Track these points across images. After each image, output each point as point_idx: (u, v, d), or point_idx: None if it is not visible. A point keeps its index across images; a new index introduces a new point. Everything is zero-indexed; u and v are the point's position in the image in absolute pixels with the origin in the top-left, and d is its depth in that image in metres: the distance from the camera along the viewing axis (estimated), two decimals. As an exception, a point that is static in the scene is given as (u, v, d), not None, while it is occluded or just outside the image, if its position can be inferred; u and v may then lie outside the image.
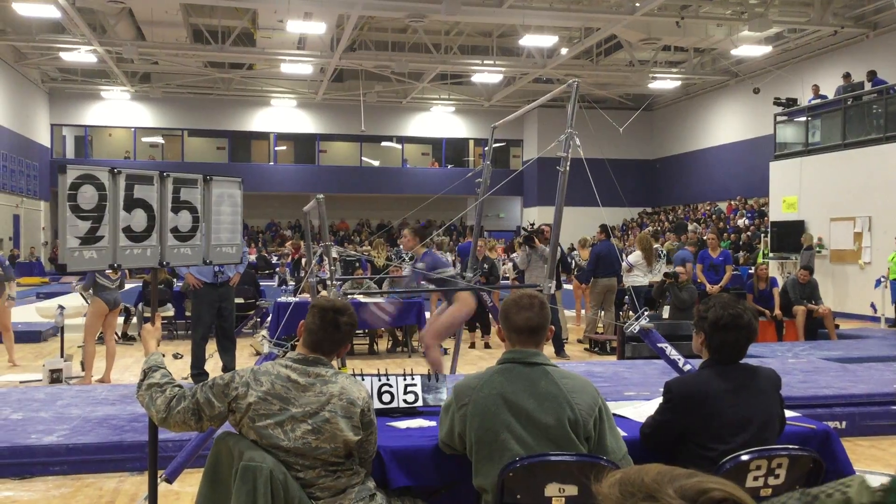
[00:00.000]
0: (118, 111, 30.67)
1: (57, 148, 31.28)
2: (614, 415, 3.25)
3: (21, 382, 7.95)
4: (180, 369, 8.28)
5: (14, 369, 8.94)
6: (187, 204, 3.64)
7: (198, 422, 2.76)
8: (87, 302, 8.19)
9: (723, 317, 2.95)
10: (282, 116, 31.85)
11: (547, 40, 21.67)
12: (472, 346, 11.13)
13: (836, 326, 11.16)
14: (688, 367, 4.68)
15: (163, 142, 33.25)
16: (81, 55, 23.17)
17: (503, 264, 15.81)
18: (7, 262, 9.32)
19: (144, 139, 32.60)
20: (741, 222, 24.07)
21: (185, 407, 2.75)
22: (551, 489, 2.62)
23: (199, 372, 7.66)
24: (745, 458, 2.72)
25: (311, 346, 2.82)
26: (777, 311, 10.92)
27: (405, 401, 3.53)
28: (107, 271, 8.16)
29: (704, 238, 15.18)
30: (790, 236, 16.61)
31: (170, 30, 22.79)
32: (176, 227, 3.58)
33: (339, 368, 4.99)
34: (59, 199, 3.15)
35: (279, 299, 10.64)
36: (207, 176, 3.74)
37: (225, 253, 3.91)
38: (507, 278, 14.17)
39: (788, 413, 3.22)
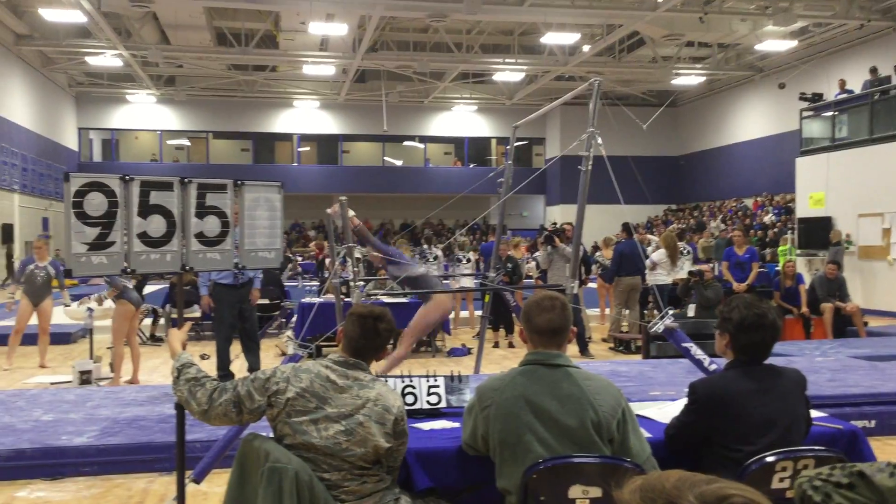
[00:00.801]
0: (144, 114, 31.03)
1: (84, 151, 31.70)
2: (638, 416, 3.24)
3: (52, 384, 8.07)
4: (206, 370, 8.35)
5: (44, 371, 9.08)
6: (214, 209, 3.61)
7: (238, 414, 2.81)
8: (112, 303, 8.30)
9: (747, 317, 2.92)
10: (305, 118, 32.03)
11: (569, 38, 21.59)
12: (496, 345, 11.12)
13: (865, 324, 11.00)
14: (713, 366, 4.65)
15: (188, 144, 33.57)
16: (107, 59, 23.48)
17: (527, 263, 15.78)
18: (61, 268, 9.42)
19: (170, 142, 32.94)
20: (767, 219, 23.83)
21: (227, 399, 2.80)
22: (575, 491, 2.62)
23: (225, 373, 7.73)
24: (770, 459, 2.70)
25: (353, 352, 2.89)
26: (804, 309, 10.80)
27: (428, 402, 3.54)
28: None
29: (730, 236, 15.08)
30: (818, 233, 16.42)
31: (194, 33, 23.02)
32: (202, 233, 3.56)
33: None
34: (65, 206, 3.19)
35: (303, 300, 10.71)
36: (238, 181, 3.71)
37: (262, 258, 3.86)
38: (531, 277, 14.14)
39: (815, 413, 3.20)
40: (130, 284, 8.15)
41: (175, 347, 3.19)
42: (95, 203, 3.22)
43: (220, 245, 3.63)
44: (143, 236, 3.37)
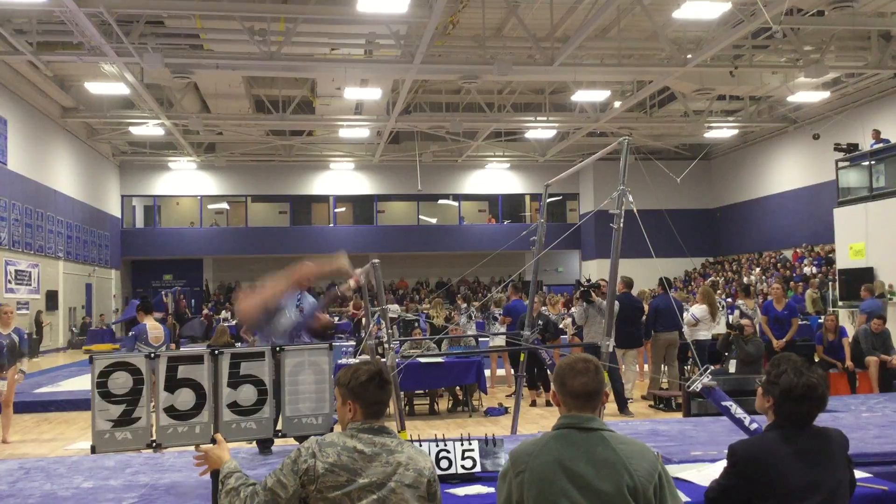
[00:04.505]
0: (185, 181, 31.78)
1: (127, 218, 32.48)
2: (677, 479, 3.19)
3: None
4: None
5: (85, 437, 9.16)
6: (250, 377, 3.50)
7: None
8: None
9: (796, 387, 2.86)
10: (340, 179, 32.53)
11: (599, 95, 21.77)
12: (533, 404, 11.01)
13: (913, 377, 10.68)
14: (754, 425, 4.57)
15: (228, 208, 34.23)
16: (150, 129, 24.21)
17: (563, 319, 15.68)
18: (25, 336, 9.22)
19: (210, 206, 33.63)
20: (808, 270, 23.46)
21: (261, 500, 2.76)
22: (613, 558, 2.57)
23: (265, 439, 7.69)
24: (813, 523, 2.63)
25: (375, 415, 2.86)
26: (848, 363, 10.54)
27: (463, 466, 3.52)
28: (149, 338, 8.43)
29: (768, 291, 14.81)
30: (859, 284, 16.11)
31: (233, 101, 23.68)
32: (235, 402, 3.46)
33: (399, 432, 5.01)
34: (91, 385, 3.24)
35: (339, 361, 10.72)
36: (278, 347, 3.62)
37: (307, 424, 3.65)
38: (566, 334, 14.04)
39: (859, 474, 3.12)
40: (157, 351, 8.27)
41: (219, 458, 3.13)
42: (120, 382, 3.26)
43: (256, 414, 3.51)
44: (171, 410, 3.34)
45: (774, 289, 11.45)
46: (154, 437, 3.33)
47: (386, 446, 2.78)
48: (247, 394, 3.48)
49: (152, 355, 3.32)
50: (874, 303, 11.97)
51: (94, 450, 3.22)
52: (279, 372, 3.55)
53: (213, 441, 3.28)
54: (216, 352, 3.44)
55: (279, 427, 3.61)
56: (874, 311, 11.17)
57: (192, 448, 3.48)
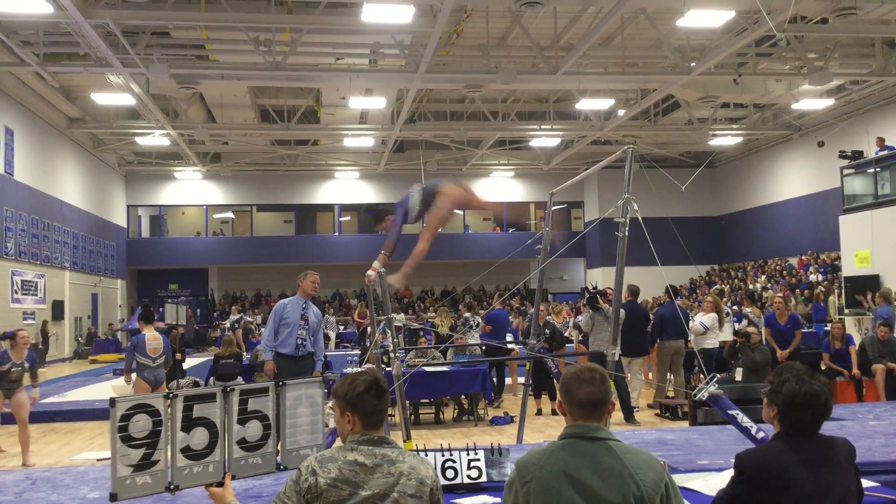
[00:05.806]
0: (190, 190, 31.87)
1: (133, 228, 32.55)
2: (683, 489, 3.18)
3: (98, 460, 8.15)
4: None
5: (91, 447, 9.16)
6: (257, 413, 3.59)
7: None
8: (129, 384, 8.46)
9: (798, 394, 2.86)
10: (345, 188, 32.58)
11: (603, 103, 21.81)
12: (539, 412, 10.99)
13: (921, 385, 10.61)
14: (761, 434, 4.56)
15: (233, 217, 34.32)
16: (155, 139, 24.30)
17: (567, 328, 15.65)
18: (35, 358, 8.78)
19: (216, 216, 33.69)
20: (813, 277, 23.40)
21: None
22: (619, 568, 2.56)
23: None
24: (820, 533, 2.63)
25: (375, 424, 2.85)
26: (855, 371, 10.50)
27: (469, 476, 3.51)
28: (147, 349, 8.46)
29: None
30: (865, 291, 16.06)
31: (238, 111, 23.77)
32: (244, 439, 3.53)
33: (404, 442, 5.00)
34: (111, 430, 3.24)
35: (344, 370, 10.74)
36: (280, 382, 3.68)
37: (304, 457, 3.70)
38: (571, 341, 14.02)
39: (866, 483, 3.11)
40: (153, 363, 8.34)
41: (222, 500, 3.19)
42: (140, 425, 3.28)
43: (261, 449, 3.59)
44: (186, 450, 3.39)
45: (777, 301, 11.31)
46: (171, 479, 3.36)
47: (387, 457, 2.77)
48: (254, 430, 3.55)
49: (171, 395, 3.36)
50: (889, 310, 11.89)
51: (113, 498, 3.22)
52: (279, 406, 3.59)
53: (222, 483, 3.31)
54: (227, 389, 3.50)
55: (279, 460, 3.67)
56: (890, 319, 11.11)
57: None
